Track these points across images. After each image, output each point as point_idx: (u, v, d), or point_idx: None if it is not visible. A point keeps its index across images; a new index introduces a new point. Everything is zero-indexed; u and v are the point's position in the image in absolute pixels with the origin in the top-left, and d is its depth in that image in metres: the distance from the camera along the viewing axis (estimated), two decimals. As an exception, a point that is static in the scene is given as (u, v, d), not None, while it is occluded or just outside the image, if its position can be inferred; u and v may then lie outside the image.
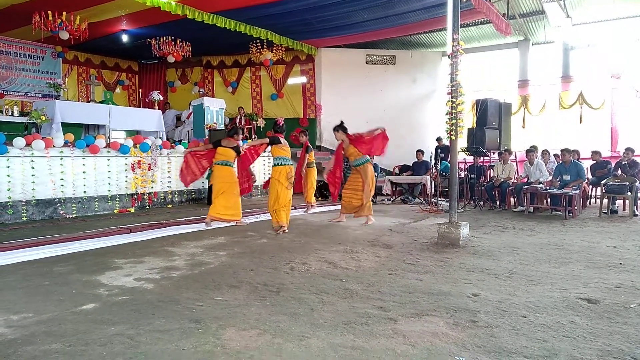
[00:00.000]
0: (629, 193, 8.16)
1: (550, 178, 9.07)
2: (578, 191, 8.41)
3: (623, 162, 8.84)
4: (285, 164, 6.94)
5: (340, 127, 7.65)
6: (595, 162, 9.58)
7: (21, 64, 12.58)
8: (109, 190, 8.87)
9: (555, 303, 3.50)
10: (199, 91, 14.95)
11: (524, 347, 2.72)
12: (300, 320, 3.19)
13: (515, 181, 9.63)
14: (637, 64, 11.52)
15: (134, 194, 9.26)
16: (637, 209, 8.29)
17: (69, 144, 8.35)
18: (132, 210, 9.11)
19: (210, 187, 10.16)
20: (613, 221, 7.70)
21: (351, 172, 7.84)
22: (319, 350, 2.70)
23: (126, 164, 9.14)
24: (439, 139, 12.50)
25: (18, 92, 12.52)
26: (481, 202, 9.86)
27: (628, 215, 8.15)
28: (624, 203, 8.69)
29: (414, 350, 2.69)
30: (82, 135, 9.92)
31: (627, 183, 8.19)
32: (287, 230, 6.77)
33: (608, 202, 8.43)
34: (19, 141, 7.62)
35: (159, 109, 11.61)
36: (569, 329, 2.99)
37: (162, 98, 12.56)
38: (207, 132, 10.94)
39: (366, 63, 14.14)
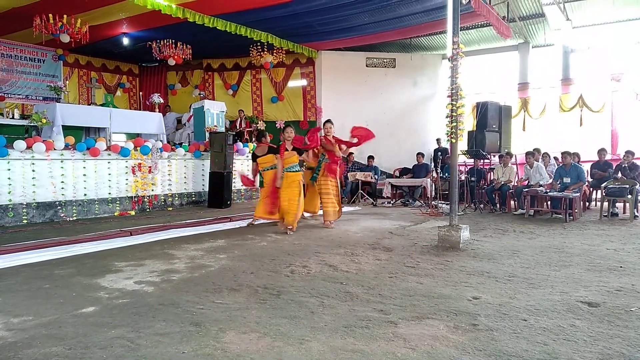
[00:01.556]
0: (629, 196, 8.16)
1: (551, 181, 9.08)
2: (578, 194, 8.41)
3: (623, 165, 8.84)
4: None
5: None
6: (598, 161, 9.51)
7: (22, 67, 12.61)
8: (110, 193, 8.88)
9: (555, 306, 3.50)
10: (199, 94, 14.96)
11: (525, 351, 2.72)
12: (301, 323, 3.19)
13: (516, 184, 9.63)
14: (637, 67, 11.54)
15: (135, 196, 9.27)
16: (637, 212, 8.29)
17: (69, 146, 8.36)
18: (133, 213, 9.12)
19: (210, 190, 10.25)
20: (613, 224, 7.69)
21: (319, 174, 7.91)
22: (320, 353, 2.70)
23: (127, 166, 9.15)
24: (438, 140, 12.53)
25: (19, 94, 12.55)
26: (481, 205, 9.86)
27: (628, 218, 8.15)
28: (624, 206, 8.69)
29: (414, 354, 2.69)
30: (82, 138, 9.91)
31: (628, 186, 8.19)
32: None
33: (608, 205, 8.43)
34: (20, 144, 7.63)
35: (159, 111, 11.63)
36: (570, 333, 2.99)
37: (162, 101, 12.56)
38: (207, 135, 10.96)
39: (366, 66, 14.16)
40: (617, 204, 8.71)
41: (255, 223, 7.72)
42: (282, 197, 7.18)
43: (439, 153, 11.56)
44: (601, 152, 9.47)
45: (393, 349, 2.76)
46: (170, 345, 2.81)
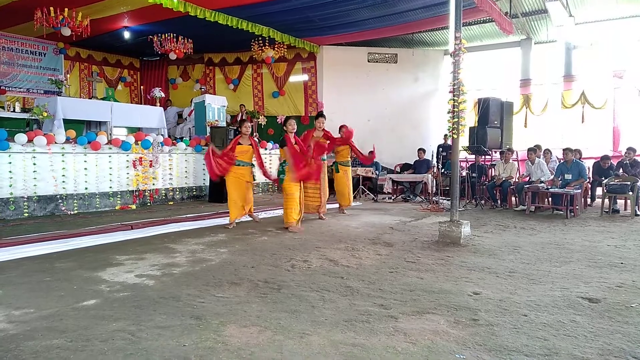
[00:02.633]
0: (630, 193, 8.15)
1: (552, 177, 9.06)
2: (579, 190, 8.40)
3: (625, 162, 8.82)
4: None
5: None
6: (601, 163, 9.43)
7: (23, 60, 12.59)
8: (110, 187, 8.88)
9: (556, 302, 3.50)
10: (200, 88, 14.94)
11: (525, 346, 2.72)
12: (301, 317, 3.19)
13: (517, 180, 9.62)
14: (639, 64, 11.49)
15: (135, 190, 9.27)
16: (638, 209, 8.28)
17: (70, 140, 8.36)
18: (134, 207, 9.12)
19: (210, 185, 10.24)
20: (614, 221, 7.69)
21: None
22: (320, 347, 2.71)
23: (127, 160, 9.15)
24: (446, 136, 12.50)
25: (20, 88, 12.54)
26: (482, 201, 9.85)
27: (629, 214, 8.14)
28: (625, 203, 8.68)
29: (415, 348, 2.70)
30: (83, 131, 9.92)
31: (629, 183, 8.18)
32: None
33: (610, 202, 8.42)
34: (21, 137, 7.63)
35: (160, 105, 11.62)
36: (570, 328, 2.99)
37: (163, 95, 12.55)
38: (208, 129, 10.95)
39: (368, 61, 14.13)
40: (618, 201, 8.70)
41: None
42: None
43: (441, 149, 11.55)
44: (604, 159, 9.42)
45: (393, 343, 2.76)
46: (171, 338, 2.82)
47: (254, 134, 12.88)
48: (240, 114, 13.60)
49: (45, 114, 8.62)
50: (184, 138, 11.48)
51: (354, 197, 11.28)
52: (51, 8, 9.33)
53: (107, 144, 8.84)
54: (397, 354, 2.63)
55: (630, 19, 11.39)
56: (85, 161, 8.49)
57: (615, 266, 4.62)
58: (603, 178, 8.87)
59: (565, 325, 3.03)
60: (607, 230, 6.80)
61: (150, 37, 11.76)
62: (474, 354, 2.62)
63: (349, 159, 8.61)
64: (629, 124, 11.73)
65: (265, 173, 7.62)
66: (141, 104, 13.18)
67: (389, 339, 2.83)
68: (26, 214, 7.69)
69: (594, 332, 2.93)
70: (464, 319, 3.15)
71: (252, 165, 7.28)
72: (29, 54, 12.74)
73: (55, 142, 8.07)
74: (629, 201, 8.40)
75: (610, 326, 3.02)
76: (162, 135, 10.48)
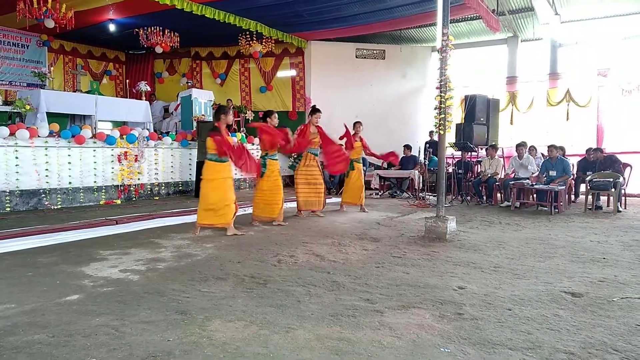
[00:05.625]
0: (613, 189, 8.27)
1: (537, 173, 9.16)
2: (564, 187, 8.50)
3: (601, 160, 8.97)
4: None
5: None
6: (586, 158, 9.55)
7: (5, 52, 12.34)
8: (95, 182, 8.77)
9: (539, 296, 3.53)
10: (187, 82, 14.81)
11: (509, 339, 2.74)
12: (287, 312, 3.18)
13: (503, 177, 9.70)
14: (623, 62, 11.65)
15: (120, 185, 9.17)
16: (620, 205, 8.41)
17: (54, 134, 8.23)
18: (118, 201, 9.03)
19: (197, 180, 10.15)
20: (597, 217, 7.80)
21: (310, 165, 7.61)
22: (306, 341, 2.70)
23: (112, 155, 9.04)
24: (431, 133, 12.57)
25: (2, 81, 12.30)
26: (468, 197, 9.93)
27: (612, 211, 8.26)
28: (608, 199, 8.81)
29: (400, 342, 2.70)
30: (67, 125, 9.78)
31: (611, 179, 8.30)
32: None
33: (593, 199, 8.54)
34: (3, 130, 7.49)
35: (146, 99, 11.49)
36: (553, 322, 3.02)
37: (149, 89, 12.42)
38: (195, 123, 10.86)
39: (356, 57, 14.12)
40: (602, 198, 8.83)
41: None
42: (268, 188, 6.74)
43: (427, 145, 11.60)
44: (589, 151, 9.54)
45: (379, 337, 2.77)
46: (155, 333, 2.79)
47: (242, 128, 12.80)
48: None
49: (28, 107, 8.47)
50: (170, 132, 11.38)
51: (340, 193, 11.31)
52: (34, -1, 9.15)
53: (91, 138, 8.73)
54: (383, 348, 2.63)
55: (614, 18, 11.52)
56: (69, 155, 8.38)
57: (598, 261, 4.69)
58: (589, 173, 8.99)
59: (548, 319, 3.06)
60: (590, 226, 6.89)
61: (136, 30, 11.61)
62: (458, 347, 2.64)
63: (361, 156, 8.59)
64: (613, 122, 11.90)
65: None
66: (127, 97, 13.02)
67: (375, 333, 2.83)
68: (8, 209, 7.56)
69: (576, 325, 2.97)
70: (449, 313, 3.17)
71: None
72: (11, 46, 12.49)
73: (38, 136, 7.95)
74: (611, 198, 8.53)
75: (592, 320, 3.07)
76: (147, 129, 10.38)
